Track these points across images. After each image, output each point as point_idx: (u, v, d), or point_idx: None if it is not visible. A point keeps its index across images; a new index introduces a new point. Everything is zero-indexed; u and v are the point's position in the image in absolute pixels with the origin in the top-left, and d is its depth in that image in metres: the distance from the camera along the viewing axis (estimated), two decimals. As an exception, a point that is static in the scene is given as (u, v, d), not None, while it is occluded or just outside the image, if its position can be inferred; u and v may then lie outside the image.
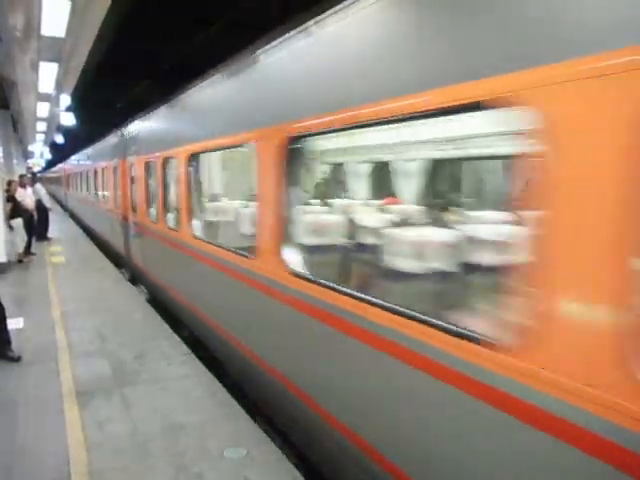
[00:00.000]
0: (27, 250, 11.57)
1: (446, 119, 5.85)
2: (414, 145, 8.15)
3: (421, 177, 9.61)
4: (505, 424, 2.01)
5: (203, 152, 5.76)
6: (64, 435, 3.76)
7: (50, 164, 46.53)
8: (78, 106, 15.73)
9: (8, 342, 5.31)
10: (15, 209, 10.90)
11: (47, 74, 9.53)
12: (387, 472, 2.73)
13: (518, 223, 4.03)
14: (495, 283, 3.27)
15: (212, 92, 5.46)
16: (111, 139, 11.59)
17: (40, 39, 7.34)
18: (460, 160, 9.28)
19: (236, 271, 4.55)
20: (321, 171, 11.43)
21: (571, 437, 1.75)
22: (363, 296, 2.89)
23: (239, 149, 4.88)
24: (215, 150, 5.66)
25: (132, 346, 5.64)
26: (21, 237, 11.29)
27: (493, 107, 2.04)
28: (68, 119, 16.55)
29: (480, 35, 2.09)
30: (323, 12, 3.17)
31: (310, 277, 3.43)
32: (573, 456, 1.76)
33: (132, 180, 9.25)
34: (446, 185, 10.32)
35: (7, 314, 5.39)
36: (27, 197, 12.21)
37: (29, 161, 37.90)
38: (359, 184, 11.14)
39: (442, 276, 3.97)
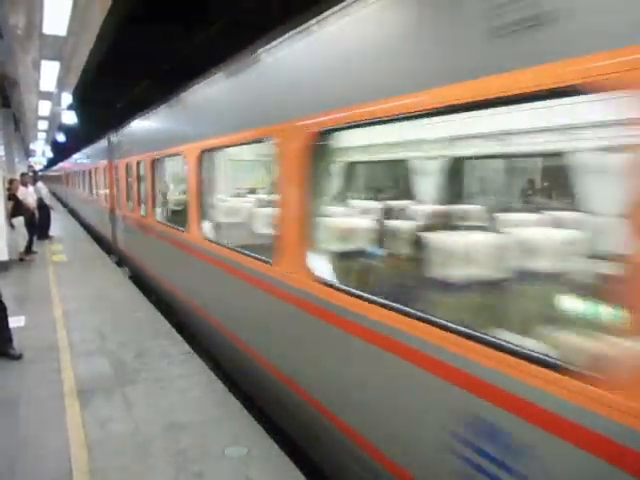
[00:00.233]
0: (28, 249, 11.60)
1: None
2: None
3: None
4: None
5: (162, 158, 7.65)
6: (65, 433, 3.77)
7: (51, 162, 46.60)
8: (79, 105, 15.77)
9: (10, 340, 5.33)
10: (16, 207, 10.93)
11: (48, 72, 9.54)
12: None
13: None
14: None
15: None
16: (101, 144, 13.63)
17: (42, 37, 7.35)
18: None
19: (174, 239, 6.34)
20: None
21: None
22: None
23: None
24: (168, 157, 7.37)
25: (133, 345, 5.65)
26: (22, 236, 11.31)
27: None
28: (69, 117, 16.58)
29: None
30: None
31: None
32: None
33: (116, 179, 11.16)
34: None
35: (8, 312, 5.42)
36: (28, 196, 12.23)
37: (30, 159, 37.92)
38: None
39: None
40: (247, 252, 4.49)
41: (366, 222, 4.78)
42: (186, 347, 5.61)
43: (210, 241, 5.39)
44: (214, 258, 5.23)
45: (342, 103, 2.98)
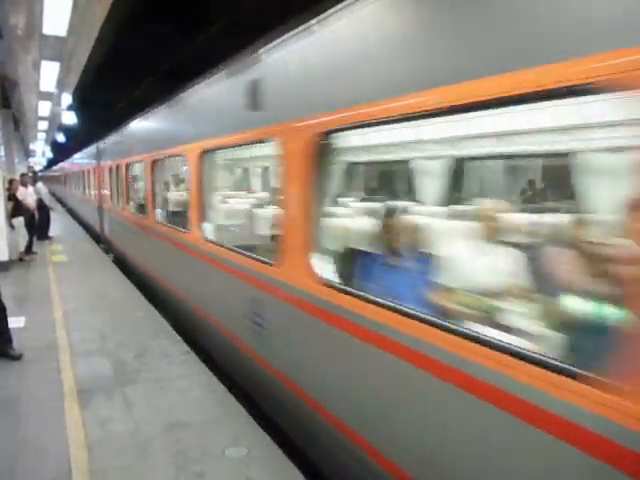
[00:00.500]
0: (28, 249, 11.59)
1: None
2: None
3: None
4: None
5: (134, 163, 9.50)
6: (65, 433, 3.77)
7: (51, 163, 46.61)
8: (79, 106, 15.78)
9: (9, 340, 5.33)
10: (16, 208, 10.93)
11: (49, 73, 9.55)
12: None
13: None
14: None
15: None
16: (92, 149, 15.90)
17: (42, 38, 7.36)
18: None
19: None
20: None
21: None
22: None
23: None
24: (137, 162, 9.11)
25: (133, 345, 5.65)
26: (22, 236, 11.30)
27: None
28: (69, 118, 16.59)
29: None
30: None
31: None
32: None
33: (102, 179, 13.38)
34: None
35: (8, 313, 5.42)
36: (28, 196, 12.23)
37: (30, 160, 37.91)
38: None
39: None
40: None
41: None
42: (186, 347, 5.61)
43: (162, 224, 7.30)
44: (165, 236, 7.05)
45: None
